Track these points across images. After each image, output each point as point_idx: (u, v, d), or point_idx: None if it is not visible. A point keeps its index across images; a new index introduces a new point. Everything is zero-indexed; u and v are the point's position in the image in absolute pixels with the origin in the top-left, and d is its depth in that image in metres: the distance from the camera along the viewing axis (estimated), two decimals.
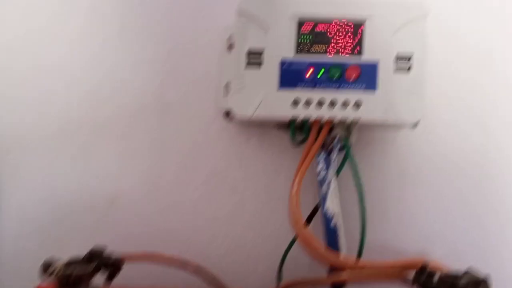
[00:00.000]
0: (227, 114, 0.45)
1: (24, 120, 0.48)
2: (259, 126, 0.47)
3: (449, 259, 0.40)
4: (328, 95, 0.41)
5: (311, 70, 0.42)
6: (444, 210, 0.46)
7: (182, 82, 0.47)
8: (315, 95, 0.42)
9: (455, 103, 0.47)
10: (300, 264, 0.44)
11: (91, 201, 0.47)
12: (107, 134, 0.47)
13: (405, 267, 0.37)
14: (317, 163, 0.42)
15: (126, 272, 0.38)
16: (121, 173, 0.47)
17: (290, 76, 0.42)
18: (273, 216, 0.46)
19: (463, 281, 0.36)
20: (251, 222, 0.46)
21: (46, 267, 0.35)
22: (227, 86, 0.44)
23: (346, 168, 0.43)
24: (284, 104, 0.42)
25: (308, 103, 0.41)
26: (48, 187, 0.47)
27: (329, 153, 0.42)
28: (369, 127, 0.43)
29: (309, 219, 0.43)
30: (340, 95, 0.41)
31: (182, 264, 0.41)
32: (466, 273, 0.37)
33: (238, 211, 0.47)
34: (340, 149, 0.42)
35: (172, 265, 0.40)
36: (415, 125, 0.42)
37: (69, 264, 0.36)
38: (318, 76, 0.42)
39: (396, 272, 0.37)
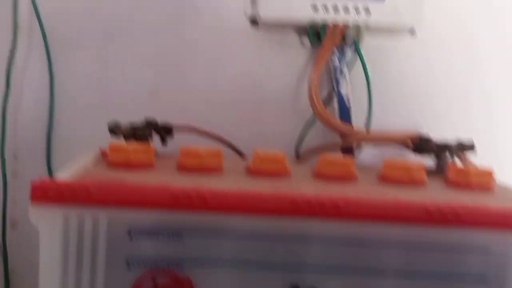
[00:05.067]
0: (253, 20, 0.51)
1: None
2: (281, 31, 0.52)
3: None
4: (342, 2, 0.47)
5: None
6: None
7: None
8: (331, 1, 0.47)
9: (449, 18, 0.53)
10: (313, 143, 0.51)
11: (134, 92, 0.52)
12: (146, 37, 0.53)
13: (406, 135, 0.44)
14: (333, 58, 0.48)
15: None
16: (157, 70, 0.53)
17: None
18: (291, 102, 0.53)
19: (452, 145, 0.43)
20: (275, 110, 0.53)
21: (112, 127, 0.41)
22: None
23: (356, 68, 0.50)
24: (305, 9, 0.47)
25: (325, 8, 0.47)
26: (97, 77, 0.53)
27: (342, 52, 0.48)
28: (374, 35, 0.50)
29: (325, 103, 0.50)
30: (354, 2, 0.47)
31: (219, 138, 0.47)
32: (456, 141, 0.44)
33: (260, 99, 0.52)
34: (352, 51, 0.49)
35: (212, 139, 0.47)
36: (414, 31, 0.49)
37: (132, 126, 0.42)
38: None
39: (398, 139, 0.44)
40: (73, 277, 0.30)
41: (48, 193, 0.29)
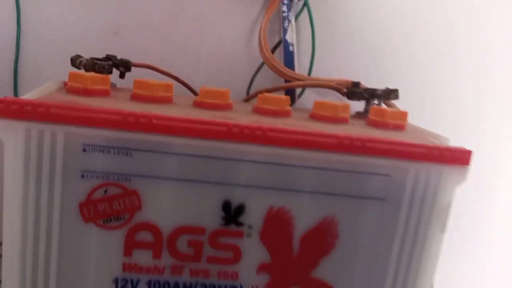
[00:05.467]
0: None
1: None
2: None
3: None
4: None
5: None
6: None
7: None
8: None
9: None
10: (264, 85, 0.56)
11: (98, 31, 0.56)
12: None
13: (341, 82, 0.50)
14: (282, 8, 0.52)
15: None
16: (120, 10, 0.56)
17: None
18: (245, 47, 0.57)
19: (379, 91, 0.49)
20: (230, 52, 0.57)
21: (74, 60, 0.45)
22: None
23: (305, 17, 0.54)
24: None
25: None
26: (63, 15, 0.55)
27: (291, 1, 0.53)
28: None
29: (273, 50, 0.54)
30: None
31: (173, 77, 0.51)
32: (384, 89, 0.50)
33: (219, 43, 0.56)
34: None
35: (168, 76, 0.51)
36: None
37: (92, 59, 0.45)
38: None
39: (333, 84, 0.49)
40: (33, 187, 0.35)
41: (11, 108, 0.33)
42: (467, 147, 0.37)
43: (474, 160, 0.37)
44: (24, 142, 0.34)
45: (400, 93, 0.48)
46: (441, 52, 0.59)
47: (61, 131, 0.34)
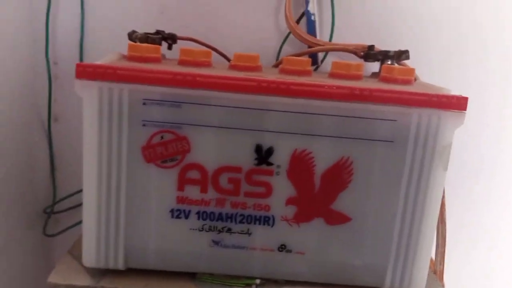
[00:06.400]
0: None
1: None
2: None
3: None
4: None
5: None
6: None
7: None
8: None
9: None
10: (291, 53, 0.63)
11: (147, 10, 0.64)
12: None
13: (358, 46, 0.56)
14: None
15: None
16: None
17: None
18: (273, 19, 0.64)
19: (391, 53, 0.55)
20: (260, 24, 0.64)
21: (131, 34, 0.53)
22: None
23: None
24: None
25: None
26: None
27: None
28: None
29: (297, 20, 0.61)
30: None
31: (211, 47, 0.59)
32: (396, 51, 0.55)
33: (250, 17, 0.64)
34: None
35: (207, 47, 0.58)
36: None
37: (145, 34, 0.54)
38: None
39: (350, 48, 0.55)
40: (106, 134, 0.44)
41: (87, 71, 0.42)
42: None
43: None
44: (97, 98, 0.43)
45: (412, 55, 0.54)
46: (448, 16, 0.63)
47: (126, 88, 0.43)
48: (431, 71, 0.59)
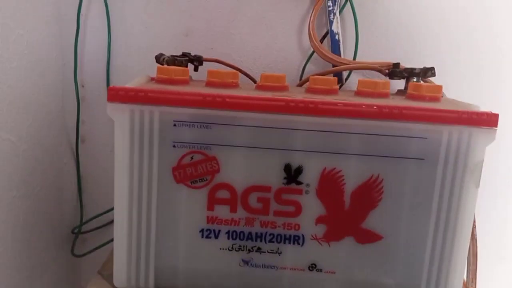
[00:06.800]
0: None
1: None
2: None
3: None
4: None
5: None
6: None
7: None
8: None
9: None
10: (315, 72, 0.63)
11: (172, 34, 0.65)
12: None
13: (382, 64, 0.56)
14: (327, 2, 0.59)
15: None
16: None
17: None
18: (297, 39, 0.65)
19: (417, 70, 0.55)
20: (284, 45, 0.65)
21: (159, 57, 0.55)
22: None
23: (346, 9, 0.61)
24: None
25: None
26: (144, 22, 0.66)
27: None
28: None
29: (321, 40, 0.61)
30: None
31: (237, 68, 0.59)
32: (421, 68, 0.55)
33: (274, 38, 0.64)
34: None
35: (233, 68, 0.59)
36: None
37: (172, 56, 0.55)
38: None
39: (375, 66, 0.56)
40: (137, 155, 0.44)
41: (119, 94, 0.43)
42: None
43: None
44: (129, 120, 0.43)
45: (437, 71, 0.54)
46: (475, 33, 0.63)
47: (156, 110, 0.43)
48: (455, 87, 0.59)
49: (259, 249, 0.46)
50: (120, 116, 0.43)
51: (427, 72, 0.53)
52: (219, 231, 0.46)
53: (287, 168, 0.45)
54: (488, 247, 0.63)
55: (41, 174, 0.63)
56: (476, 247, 0.56)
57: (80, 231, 0.70)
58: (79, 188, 0.71)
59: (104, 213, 0.68)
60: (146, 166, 0.44)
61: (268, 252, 0.46)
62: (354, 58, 0.59)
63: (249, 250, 0.46)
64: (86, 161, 0.70)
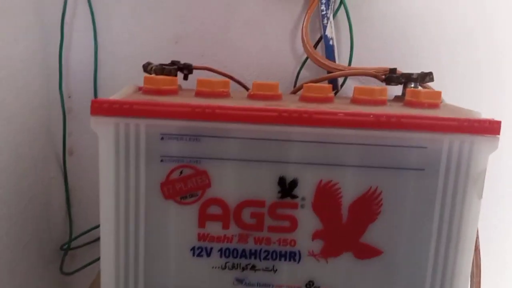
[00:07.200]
0: None
1: None
2: None
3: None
4: None
5: None
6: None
7: None
8: None
9: None
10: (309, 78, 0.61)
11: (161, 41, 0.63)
12: None
13: (379, 69, 0.54)
14: (320, 6, 0.57)
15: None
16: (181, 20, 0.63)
17: None
18: (290, 45, 0.63)
19: (415, 75, 0.53)
20: (277, 51, 0.63)
21: (146, 66, 0.52)
22: None
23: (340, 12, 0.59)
24: None
25: None
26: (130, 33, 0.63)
27: (329, 0, 0.58)
28: None
29: (315, 45, 0.59)
30: None
31: (228, 76, 0.57)
32: (419, 73, 0.53)
33: (266, 43, 0.62)
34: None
35: (224, 76, 0.57)
36: None
37: (161, 65, 0.52)
38: None
39: (371, 72, 0.54)
40: (123, 170, 0.42)
41: (103, 107, 0.40)
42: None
43: None
44: (114, 134, 0.41)
45: (435, 76, 0.52)
46: (474, 36, 0.61)
47: (143, 123, 0.41)
48: (454, 92, 0.57)
49: (253, 267, 0.44)
50: (105, 130, 0.41)
51: (425, 77, 0.51)
52: (211, 248, 0.44)
53: (281, 181, 0.43)
54: (491, 258, 0.61)
55: (27, 189, 0.60)
56: (480, 258, 0.54)
57: (70, 247, 0.67)
58: (68, 202, 0.68)
59: (95, 228, 0.66)
60: (132, 182, 0.42)
61: (263, 270, 0.44)
62: (350, 63, 0.57)
63: (243, 268, 0.44)
64: (75, 174, 0.68)
